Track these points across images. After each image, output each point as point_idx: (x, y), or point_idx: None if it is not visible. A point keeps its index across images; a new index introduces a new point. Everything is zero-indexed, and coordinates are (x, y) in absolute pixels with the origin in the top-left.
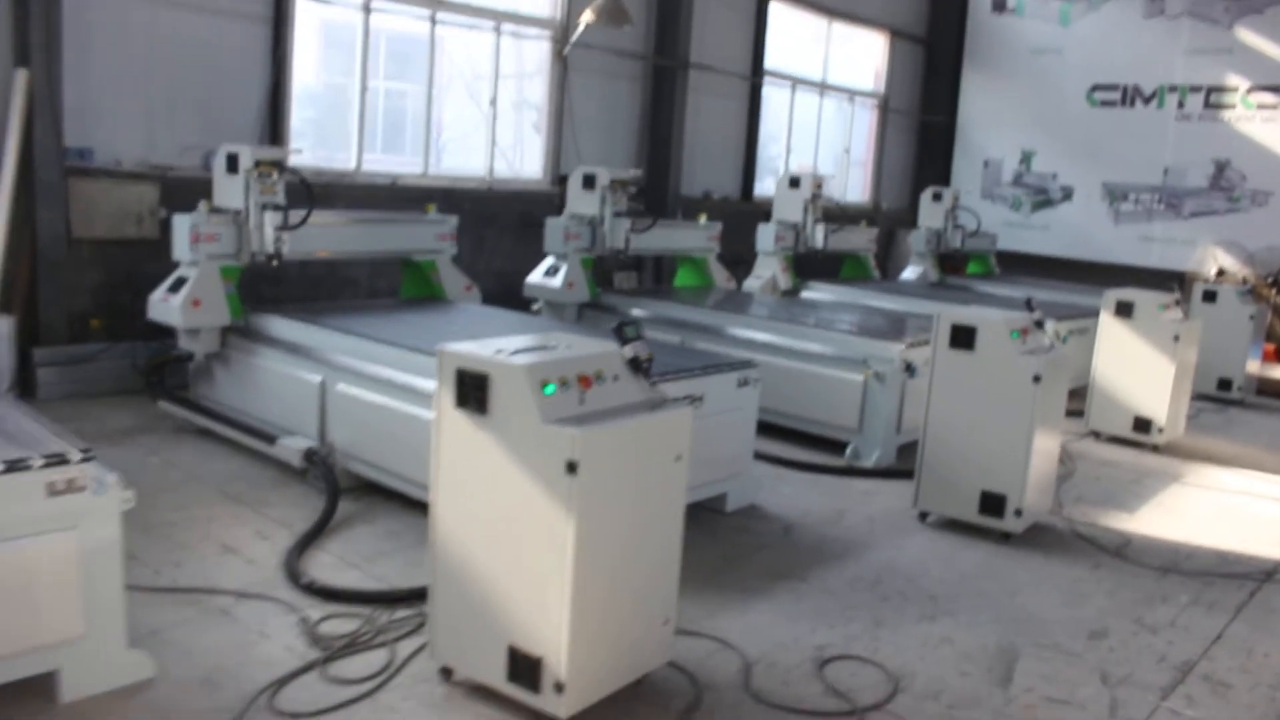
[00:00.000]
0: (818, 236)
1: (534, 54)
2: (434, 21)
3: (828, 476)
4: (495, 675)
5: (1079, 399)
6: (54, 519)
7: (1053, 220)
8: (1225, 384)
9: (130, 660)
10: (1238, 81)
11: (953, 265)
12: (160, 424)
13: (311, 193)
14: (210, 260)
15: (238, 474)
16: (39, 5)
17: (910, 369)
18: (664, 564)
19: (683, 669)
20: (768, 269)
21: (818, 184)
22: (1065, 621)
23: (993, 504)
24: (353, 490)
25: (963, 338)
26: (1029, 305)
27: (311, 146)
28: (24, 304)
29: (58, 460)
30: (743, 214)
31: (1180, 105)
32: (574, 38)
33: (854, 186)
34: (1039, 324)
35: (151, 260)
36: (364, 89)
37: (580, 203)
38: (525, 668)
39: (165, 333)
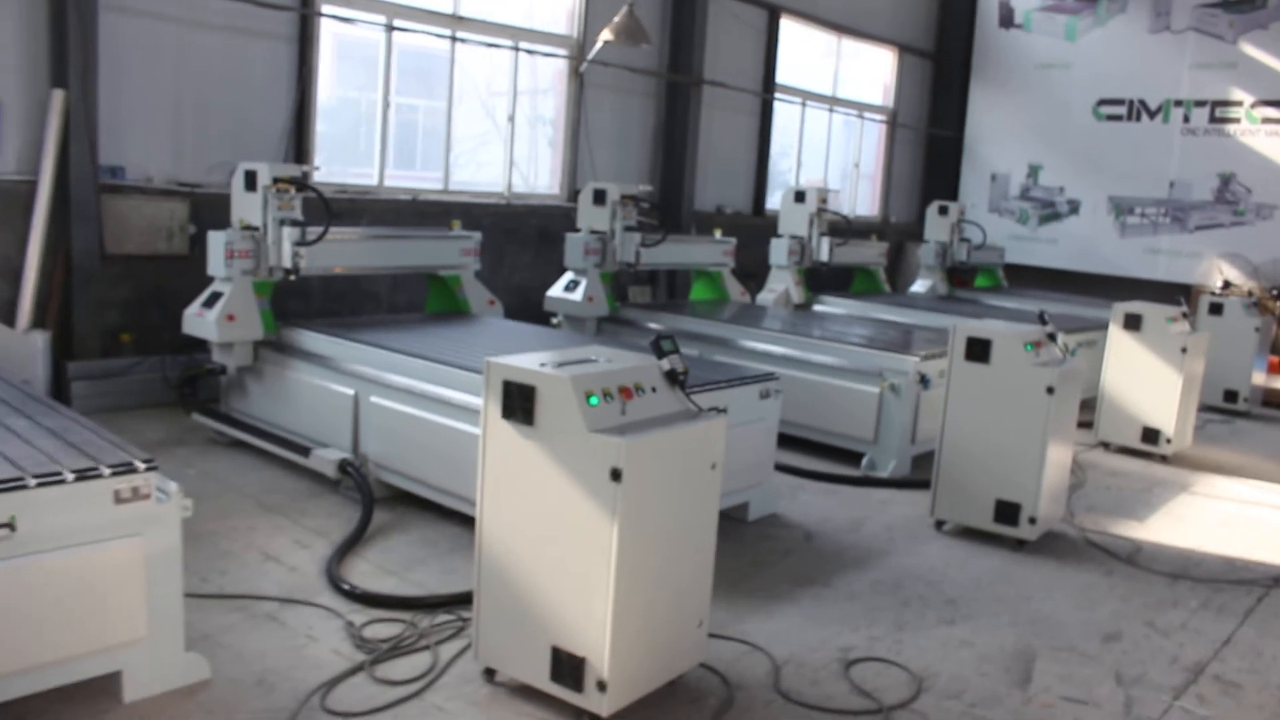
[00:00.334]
0: (823, 250)
1: (547, 70)
2: (455, 40)
3: (845, 486)
4: (538, 675)
5: (1088, 410)
6: (120, 526)
7: (1060, 233)
8: (1231, 395)
9: (188, 662)
10: (1242, 96)
11: (961, 278)
12: (192, 436)
13: (329, 209)
14: (244, 276)
15: (273, 485)
16: (77, 28)
17: (924, 381)
18: (699, 568)
19: (714, 670)
20: (781, 283)
21: (822, 198)
22: (1080, 625)
23: (1007, 512)
24: (386, 500)
25: (978, 350)
26: (1042, 318)
27: (326, 161)
28: (58, 318)
29: (125, 469)
30: (754, 228)
31: (1185, 119)
32: (590, 55)
33: (863, 200)
34: (1051, 336)
35: (180, 275)
36: (386, 106)
37: (592, 218)
38: (569, 667)
39: (194, 346)
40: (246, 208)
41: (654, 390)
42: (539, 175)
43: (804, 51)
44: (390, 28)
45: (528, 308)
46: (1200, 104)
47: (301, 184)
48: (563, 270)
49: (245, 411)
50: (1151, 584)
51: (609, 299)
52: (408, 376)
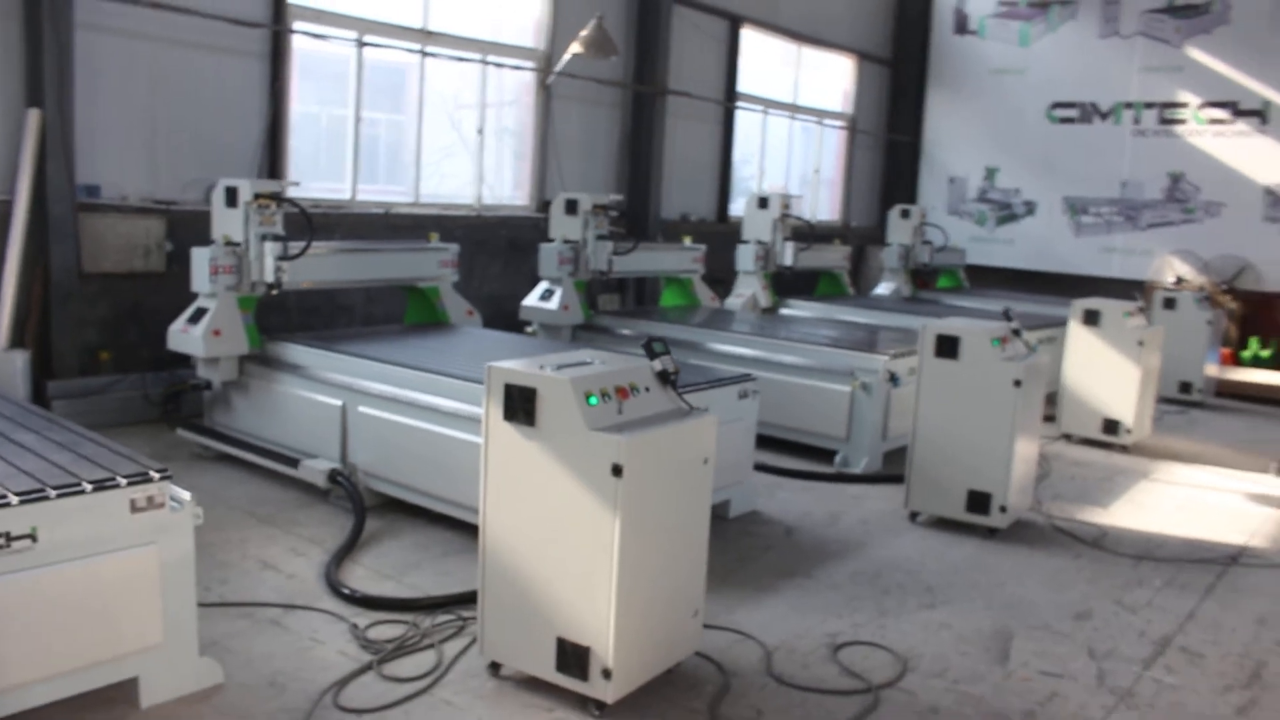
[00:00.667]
0: (787, 254)
1: (513, 83)
2: (424, 54)
3: (821, 483)
4: (544, 666)
5: (1050, 404)
6: (136, 534)
7: (1017, 234)
8: (1186, 387)
9: (202, 667)
10: (1189, 98)
11: (924, 280)
12: (176, 452)
13: (311, 224)
14: (228, 291)
15: (261, 497)
16: (52, 47)
17: (894, 379)
18: (694, 559)
19: (709, 658)
20: (748, 287)
21: (785, 203)
22: (1052, 605)
23: (979, 502)
24: (375, 508)
25: (947, 347)
26: (1006, 315)
27: (294, 177)
28: (36, 337)
29: (140, 479)
30: (718, 235)
31: (1136, 121)
32: (558, 67)
33: (824, 206)
34: (1016, 332)
35: (157, 293)
36: (358, 120)
37: (564, 227)
38: (574, 658)
39: (173, 363)
40: (228, 223)
41: (648, 390)
42: (504, 186)
43: (765, 60)
44: (361, 43)
45: (500, 317)
46: (1150, 106)
47: (282, 199)
48: (533, 280)
49: (230, 426)
50: (1117, 566)
51: (583, 307)
52: (398, 386)
